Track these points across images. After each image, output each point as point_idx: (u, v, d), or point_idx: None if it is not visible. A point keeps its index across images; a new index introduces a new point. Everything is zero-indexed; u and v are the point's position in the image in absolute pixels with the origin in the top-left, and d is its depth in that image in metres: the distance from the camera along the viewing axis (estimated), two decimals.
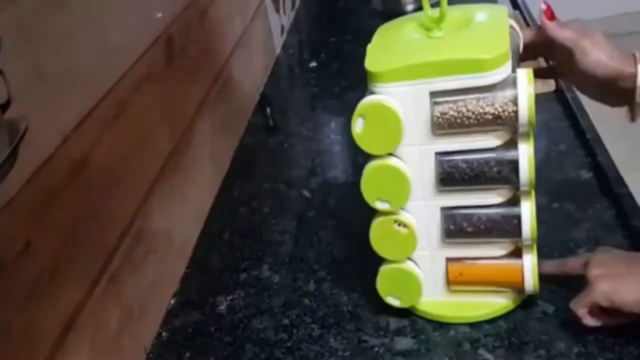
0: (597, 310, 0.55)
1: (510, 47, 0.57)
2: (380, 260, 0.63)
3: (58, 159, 0.53)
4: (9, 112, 0.42)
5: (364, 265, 0.71)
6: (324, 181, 0.91)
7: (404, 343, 0.62)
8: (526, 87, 0.52)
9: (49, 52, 0.53)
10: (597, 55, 0.60)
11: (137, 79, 0.68)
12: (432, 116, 0.54)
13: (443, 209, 0.59)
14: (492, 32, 0.55)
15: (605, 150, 0.79)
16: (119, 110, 0.64)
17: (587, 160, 0.80)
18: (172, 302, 0.73)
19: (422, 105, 0.54)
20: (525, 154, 0.54)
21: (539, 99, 0.62)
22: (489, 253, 0.60)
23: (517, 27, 0.61)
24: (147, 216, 0.68)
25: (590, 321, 0.56)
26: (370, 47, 0.58)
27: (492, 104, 0.53)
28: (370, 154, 0.56)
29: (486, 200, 0.57)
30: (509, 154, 0.55)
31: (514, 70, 0.54)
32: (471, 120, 0.53)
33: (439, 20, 0.55)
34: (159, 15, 0.76)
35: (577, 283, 0.58)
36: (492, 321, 0.62)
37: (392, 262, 0.62)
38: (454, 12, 0.57)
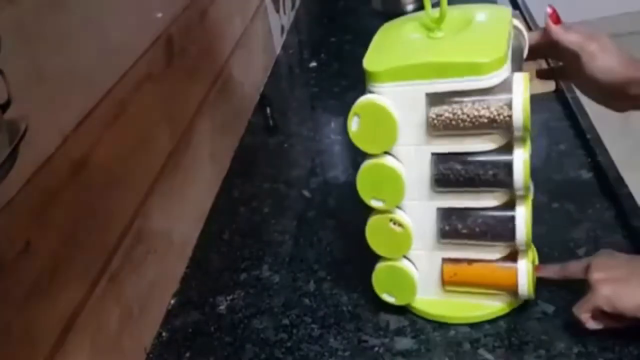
0: (599, 314, 0.55)
1: (513, 48, 0.57)
2: (380, 260, 0.63)
3: (58, 159, 0.53)
4: (9, 112, 0.42)
5: (364, 265, 0.71)
6: (324, 181, 0.91)
7: (404, 343, 0.62)
8: (522, 92, 0.51)
9: (49, 52, 0.53)
10: (604, 60, 0.60)
11: (137, 79, 0.68)
12: (428, 117, 0.54)
13: (439, 209, 0.59)
14: (492, 34, 0.54)
15: (605, 150, 0.79)
16: (119, 110, 0.64)
17: (587, 160, 0.80)
18: (172, 302, 0.73)
19: (418, 106, 0.54)
20: (521, 158, 0.53)
21: (539, 99, 0.62)
22: (484, 255, 0.60)
23: (522, 28, 0.61)
24: (147, 216, 0.68)
25: (593, 325, 0.56)
26: (370, 46, 0.58)
27: (488, 108, 0.52)
28: (366, 152, 0.56)
29: (481, 202, 0.57)
30: (504, 158, 0.54)
31: (517, 71, 0.54)
32: (466, 123, 0.53)
33: (439, 20, 0.55)
34: (159, 15, 0.76)
35: (577, 286, 0.58)
36: (492, 321, 0.62)
37: (388, 259, 0.62)
38: (457, 12, 0.57)
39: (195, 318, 0.70)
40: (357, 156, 0.58)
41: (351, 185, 0.65)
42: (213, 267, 0.78)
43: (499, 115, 0.52)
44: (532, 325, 0.61)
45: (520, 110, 0.51)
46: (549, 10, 0.63)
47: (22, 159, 0.42)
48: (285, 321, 0.67)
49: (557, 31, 0.62)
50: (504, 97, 0.52)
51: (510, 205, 0.56)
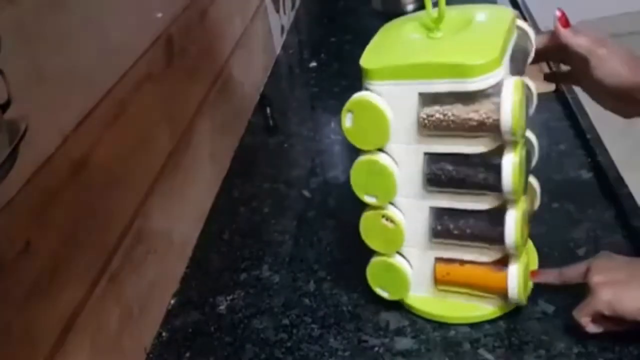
0: (599, 317, 0.55)
1: (516, 50, 0.56)
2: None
3: (58, 159, 0.53)
4: (9, 112, 0.42)
5: (364, 265, 0.71)
6: (324, 181, 0.91)
7: (404, 343, 0.62)
8: (511, 96, 0.50)
9: (49, 52, 0.53)
10: (613, 65, 0.59)
11: (137, 79, 0.68)
12: (419, 117, 0.54)
13: (431, 208, 0.59)
14: (487, 36, 0.53)
15: (605, 150, 0.79)
16: (119, 110, 0.64)
17: (587, 160, 0.80)
18: (172, 302, 0.73)
19: (411, 105, 0.54)
20: (510, 163, 0.52)
21: (539, 99, 0.62)
22: (476, 257, 0.60)
23: (528, 30, 0.60)
24: (147, 216, 0.68)
25: (593, 329, 0.55)
26: (369, 44, 0.58)
27: (478, 111, 0.52)
28: (360, 148, 0.57)
29: (473, 205, 0.57)
30: (495, 162, 0.53)
31: (519, 74, 0.54)
32: (456, 125, 0.53)
33: (437, 21, 0.55)
34: (159, 15, 0.76)
35: (577, 287, 0.58)
36: (492, 321, 0.62)
37: (382, 254, 0.63)
38: (458, 12, 0.57)
39: (195, 318, 0.71)
40: (357, 156, 0.58)
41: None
42: (213, 267, 0.78)
43: (487, 118, 0.51)
44: (532, 325, 0.61)
45: (508, 115, 0.50)
46: (557, 13, 0.62)
47: (22, 159, 0.42)
48: (285, 321, 0.67)
49: (565, 34, 0.61)
50: (494, 100, 0.51)
51: (502, 208, 0.56)
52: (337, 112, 1.03)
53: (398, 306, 0.66)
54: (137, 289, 0.66)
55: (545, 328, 0.60)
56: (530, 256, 0.66)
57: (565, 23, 0.62)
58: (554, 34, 0.63)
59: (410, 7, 1.40)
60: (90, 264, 0.58)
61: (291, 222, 0.83)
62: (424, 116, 0.54)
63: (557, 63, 0.71)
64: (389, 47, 0.57)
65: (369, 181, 0.58)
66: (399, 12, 1.35)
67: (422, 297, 0.65)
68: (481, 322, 0.62)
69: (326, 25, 1.50)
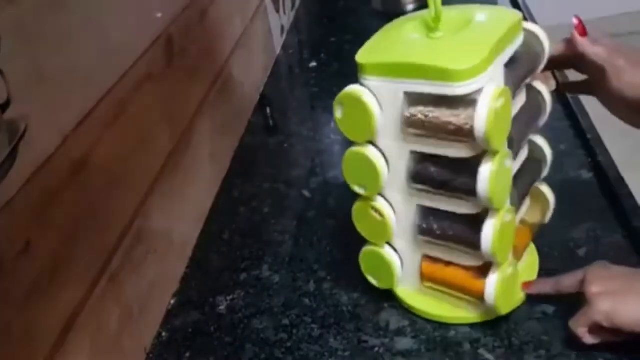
0: (597, 328, 0.54)
1: (521, 54, 0.56)
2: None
3: (58, 159, 0.53)
4: (8, 112, 0.42)
5: None
6: (324, 181, 0.91)
7: (404, 343, 0.62)
8: (487, 104, 0.49)
9: (49, 52, 0.53)
10: (632, 76, 0.57)
11: (137, 79, 0.68)
12: (402, 115, 0.55)
13: (418, 206, 0.60)
14: (480, 40, 0.52)
15: (606, 150, 0.79)
16: (119, 110, 0.64)
17: (588, 160, 0.80)
18: (172, 302, 0.73)
19: (397, 103, 0.54)
20: (487, 171, 0.51)
21: None
22: (459, 260, 0.60)
23: (540, 34, 0.58)
24: (147, 216, 0.68)
25: (590, 340, 0.55)
26: (369, 41, 0.59)
27: (458, 116, 0.51)
28: (350, 139, 0.58)
29: (454, 208, 0.57)
30: (475, 168, 0.52)
31: (524, 79, 0.54)
32: (437, 128, 0.53)
33: (435, 21, 0.55)
34: (159, 15, 0.76)
35: (569, 299, 0.57)
36: (492, 321, 0.62)
37: (373, 244, 0.64)
38: (461, 12, 0.57)
39: (195, 318, 0.70)
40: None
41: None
42: (213, 267, 0.78)
43: (465, 124, 0.51)
44: (533, 325, 0.60)
45: (482, 123, 0.49)
46: (575, 21, 0.60)
47: (22, 159, 0.42)
48: (285, 321, 0.67)
49: (583, 43, 0.60)
50: (473, 107, 0.50)
51: (484, 215, 0.55)
52: None
53: (398, 306, 0.66)
54: (137, 289, 0.66)
55: (545, 328, 0.60)
56: (531, 257, 0.66)
57: (583, 31, 0.60)
58: (570, 42, 0.61)
59: (410, 7, 1.40)
60: (90, 264, 0.58)
61: (291, 222, 0.83)
62: (408, 115, 0.54)
63: (563, 70, 0.69)
64: (386, 44, 0.58)
65: (359, 172, 0.59)
66: (399, 12, 1.34)
67: (410, 291, 0.66)
68: (483, 321, 0.62)
69: (326, 25, 1.50)
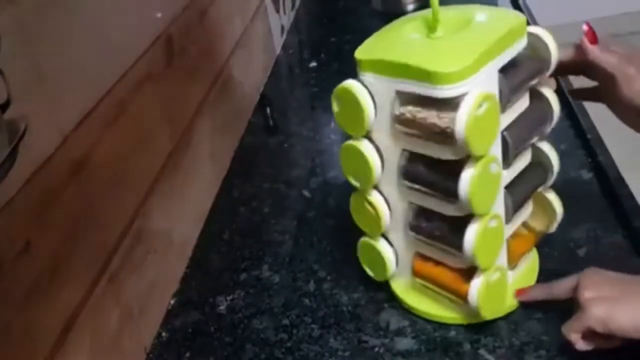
0: (590, 333, 0.53)
1: (526, 59, 0.55)
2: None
3: (58, 159, 0.53)
4: (8, 112, 0.42)
5: None
6: (324, 181, 0.91)
7: (404, 343, 0.62)
8: (467, 109, 0.49)
9: (49, 52, 0.53)
10: None
11: (137, 79, 0.68)
12: (392, 113, 0.55)
13: (410, 202, 0.60)
14: (473, 43, 0.52)
15: (606, 150, 0.79)
16: (119, 110, 0.64)
17: (588, 161, 0.80)
18: (172, 302, 0.73)
19: (390, 100, 0.55)
20: (468, 175, 0.51)
21: None
22: (446, 261, 0.60)
23: (546, 39, 0.57)
24: (147, 216, 0.68)
25: (583, 346, 0.54)
26: (371, 36, 0.59)
27: (443, 118, 0.51)
28: (347, 132, 0.59)
29: (440, 209, 0.57)
30: (459, 171, 0.52)
31: (526, 87, 0.54)
32: (423, 128, 0.53)
33: (434, 22, 0.55)
34: (159, 15, 0.76)
35: (563, 304, 0.57)
36: (492, 321, 0.62)
37: (368, 236, 0.65)
38: (463, 12, 0.57)
39: (195, 318, 0.70)
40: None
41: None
42: (213, 267, 0.78)
43: (447, 127, 0.51)
44: (533, 325, 0.60)
45: (461, 127, 0.49)
46: (584, 27, 0.59)
47: (22, 159, 0.42)
48: (285, 321, 0.67)
49: (593, 51, 0.59)
50: (457, 111, 0.50)
51: (469, 219, 0.55)
52: None
53: (398, 306, 0.66)
54: (137, 289, 0.66)
55: (545, 328, 0.60)
56: (531, 263, 0.66)
57: (593, 38, 0.59)
58: (579, 48, 0.60)
59: (410, 7, 1.40)
60: (90, 264, 0.58)
61: (291, 222, 0.83)
62: (397, 113, 0.55)
63: (559, 78, 0.69)
64: (384, 42, 0.58)
65: (353, 166, 0.60)
66: (399, 12, 1.34)
67: (404, 285, 0.66)
68: (483, 321, 0.62)
69: (326, 25, 1.50)
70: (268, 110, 1.15)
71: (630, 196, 0.71)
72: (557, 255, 0.67)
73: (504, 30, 0.53)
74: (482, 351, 0.59)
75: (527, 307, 0.62)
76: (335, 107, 0.58)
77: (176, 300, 0.74)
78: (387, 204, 0.61)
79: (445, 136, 0.51)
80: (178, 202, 0.77)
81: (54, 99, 0.53)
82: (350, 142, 0.59)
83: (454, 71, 0.49)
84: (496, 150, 0.55)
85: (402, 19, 0.61)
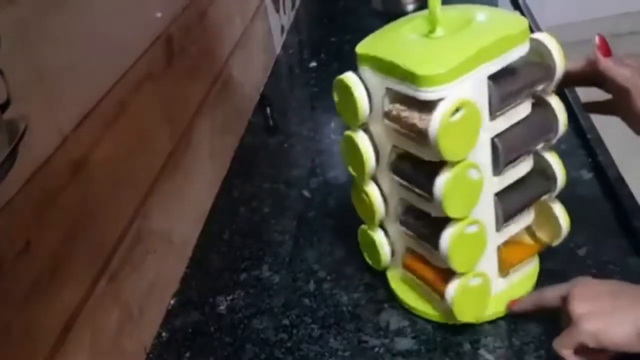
0: (582, 348, 0.51)
1: (525, 65, 0.54)
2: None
3: (58, 159, 0.53)
4: (8, 112, 0.42)
5: (364, 265, 0.71)
6: (324, 181, 0.91)
7: (404, 343, 0.62)
8: (441, 113, 0.49)
9: (49, 52, 0.53)
10: None
11: (137, 79, 0.68)
12: (382, 109, 0.56)
13: (402, 198, 0.61)
14: (463, 47, 0.52)
15: (606, 150, 0.79)
16: (119, 110, 0.64)
17: (588, 161, 0.80)
18: (172, 302, 0.73)
19: (382, 96, 0.56)
20: (442, 179, 0.52)
21: None
22: (429, 258, 0.61)
23: (549, 45, 0.55)
24: (147, 216, 0.68)
25: None
26: (376, 32, 0.60)
27: (422, 120, 0.51)
28: (345, 123, 0.60)
29: (422, 207, 0.57)
30: (437, 173, 0.52)
31: (525, 95, 0.53)
32: (406, 127, 0.53)
33: (431, 22, 0.55)
34: (159, 15, 0.76)
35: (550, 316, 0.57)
36: (492, 321, 0.62)
37: (366, 224, 0.66)
38: (464, 13, 0.57)
39: (195, 318, 0.70)
40: None
41: (351, 185, 0.65)
42: (213, 267, 0.78)
43: (425, 130, 0.51)
44: (533, 325, 0.60)
45: (434, 132, 0.49)
46: (597, 40, 0.59)
47: (21, 159, 0.42)
48: (285, 321, 0.67)
49: (607, 64, 0.58)
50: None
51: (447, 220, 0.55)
52: (337, 112, 1.02)
53: (398, 306, 0.66)
54: (137, 289, 0.66)
55: (545, 328, 0.60)
56: (529, 272, 0.65)
57: (606, 51, 0.58)
58: (591, 61, 0.59)
59: (410, 7, 1.40)
60: (90, 264, 0.58)
61: (291, 222, 0.83)
62: (387, 110, 0.55)
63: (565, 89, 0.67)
64: (384, 39, 0.58)
65: (351, 155, 0.60)
66: (399, 12, 1.35)
67: (397, 276, 0.67)
68: (483, 321, 0.62)
69: (326, 25, 1.50)
70: (268, 110, 1.15)
71: (630, 196, 0.71)
72: (557, 255, 0.67)
73: (500, 36, 0.52)
74: (482, 351, 0.59)
75: (516, 317, 0.61)
76: (335, 97, 0.59)
77: (176, 300, 0.74)
78: (383, 195, 0.61)
79: (424, 137, 0.52)
80: (178, 202, 0.77)
81: (53, 99, 0.53)
82: (348, 132, 0.60)
83: (434, 74, 0.49)
84: (485, 156, 0.55)
85: (407, 17, 0.61)
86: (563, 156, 0.63)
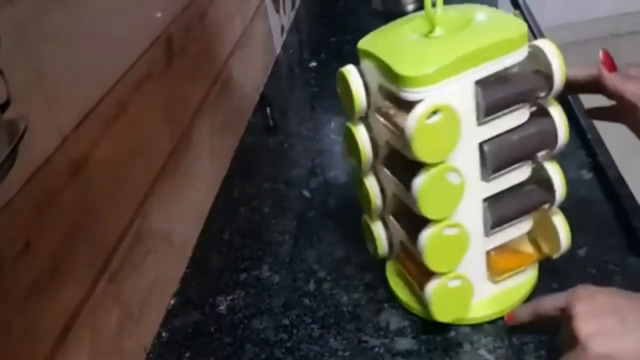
0: None
1: (521, 74, 0.54)
2: (380, 263, 0.65)
3: (58, 159, 0.53)
4: (8, 112, 0.42)
5: (364, 265, 0.71)
6: (324, 181, 0.91)
7: (404, 343, 0.62)
8: (417, 116, 0.49)
9: (49, 52, 0.53)
10: None
11: (137, 79, 0.68)
12: (376, 104, 0.56)
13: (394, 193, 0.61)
14: (452, 50, 0.51)
15: (606, 150, 0.79)
16: (119, 110, 0.64)
17: (588, 160, 0.80)
18: (172, 302, 0.73)
19: (377, 91, 0.56)
20: (419, 181, 0.52)
21: None
22: (415, 254, 0.60)
23: (548, 52, 0.53)
24: (146, 216, 0.68)
25: None
26: (380, 28, 0.60)
27: (405, 120, 0.51)
28: (346, 115, 0.60)
29: (410, 204, 0.57)
30: (414, 174, 0.53)
31: (518, 103, 0.53)
32: (391, 125, 0.54)
33: (429, 22, 0.55)
34: (159, 15, 0.76)
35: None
36: (492, 322, 0.62)
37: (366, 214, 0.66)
38: (465, 13, 0.56)
39: (195, 318, 0.70)
40: None
41: (351, 185, 0.65)
42: (213, 267, 0.78)
43: (403, 129, 0.51)
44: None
45: (409, 134, 0.49)
46: (601, 56, 0.58)
47: (21, 159, 0.42)
48: (285, 321, 0.67)
49: (614, 81, 0.57)
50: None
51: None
52: (337, 112, 1.03)
53: (398, 306, 0.66)
54: (137, 289, 0.66)
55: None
56: (524, 281, 0.64)
57: (611, 67, 0.57)
58: (595, 75, 0.58)
59: (410, 7, 1.40)
60: (90, 264, 0.58)
61: (291, 222, 0.83)
62: (378, 106, 0.56)
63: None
64: (383, 36, 0.59)
65: (350, 146, 0.61)
66: (399, 12, 1.35)
67: (394, 267, 0.68)
68: (483, 322, 0.62)
69: (326, 25, 1.50)
70: (268, 110, 1.15)
71: (630, 196, 0.71)
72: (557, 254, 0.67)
73: (495, 40, 0.51)
74: (482, 351, 0.59)
75: (515, 330, 0.60)
76: (338, 89, 0.60)
77: (176, 300, 0.74)
78: (382, 187, 0.62)
79: (400, 139, 0.52)
80: (178, 202, 0.77)
81: (53, 99, 0.53)
82: (348, 123, 0.60)
83: (416, 75, 0.50)
84: (472, 160, 0.55)
85: (412, 15, 0.61)
86: (563, 156, 0.63)
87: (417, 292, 0.62)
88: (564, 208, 0.69)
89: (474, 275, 0.59)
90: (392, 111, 0.54)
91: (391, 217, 0.63)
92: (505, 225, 0.59)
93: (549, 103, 0.56)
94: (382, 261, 0.69)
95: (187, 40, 0.84)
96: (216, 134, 0.93)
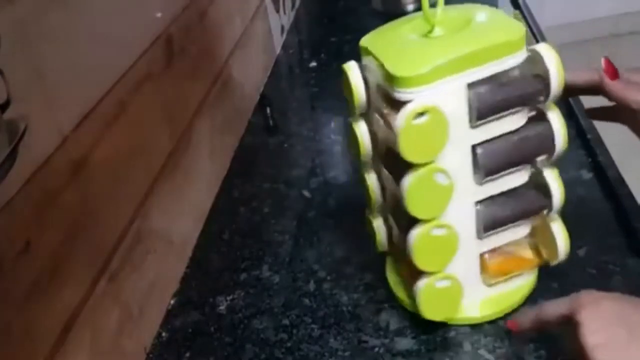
0: None
1: (521, 78, 0.53)
2: (381, 260, 0.65)
3: (58, 159, 0.53)
4: (8, 112, 0.42)
5: (364, 265, 0.71)
6: (324, 181, 0.91)
7: (404, 343, 0.62)
8: (404, 116, 0.49)
9: (49, 52, 0.53)
10: None
11: (137, 79, 0.68)
12: (374, 102, 0.57)
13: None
14: (448, 50, 0.51)
15: (606, 150, 0.79)
16: (119, 110, 0.64)
17: (588, 160, 0.80)
18: (172, 302, 0.73)
19: (376, 89, 0.56)
20: (407, 181, 0.52)
21: None
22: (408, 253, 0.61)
23: (546, 57, 0.52)
24: (146, 216, 0.68)
25: None
26: (383, 25, 0.61)
27: (396, 119, 0.51)
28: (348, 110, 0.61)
29: (402, 202, 0.57)
30: (405, 173, 0.53)
31: (516, 107, 0.53)
32: (386, 124, 0.54)
33: (427, 22, 0.55)
34: (159, 15, 0.76)
35: (575, 288, 0.55)
36: (492, 321, 0.62)
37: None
38: (465, 13, 0.56)
39: (195, 318, 0.70)
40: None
41: (351, 186, 0.66)
42: (213, 267, 0.78)
43: (393, 129, 0.51)
44: None
45: (396, 134, 0.50)
46: (603, 64, 0.57)
47: (21, 159, 0.42)
48: (285, 321, 0.67)
49: (617, 89, 0.57)
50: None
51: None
52: (337, 112, 1.03)
53: (398, 306, 0.66)
54: (137, 289, 0.66)
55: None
56: (522, 285, 0.64)
57: (614, 75, 0.57)
58: (596, 81, 0.58)
59: (410, 7, 1.40)
60: (90, 264, 0.58)
61: (291, 222, 0.83)
62: (376, 104, 0.56)
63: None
64: (384, 35, 0.59)
65: (352, 141, 0.61)
66: (399, 12, 1.35)
67: (392, 263, 0.68)
68: (483, 322, 0.62)
69: (326, 25, 1.50)
70: (268, 110, 1.15)
71: (630, 196, 0.71)
72: None
73: (491, 43, 0.51)
74: (482, 351, 0.59)
75: (517, 335, 0.60)
76: (343, 85, 0.60)
77: (176, 300, 0.74)
78: (382, 184, 0.62)
79: (393, 142, 0.52)
80: (178, 202, 0.77)
81: (53, 99, 0.53)
82: (351, 119, 0.60)
83: (407, 76, 0.50)
84: (464, 163, 0.55)
85: (414, 15, 0.60)
86: (563, 156, 0.63)
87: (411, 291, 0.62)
88: (563, 208, 0.69)
89: (466, 277, 0.59)
90: (386, 110, 0.54)
91: (389, 214, 0.63)
92: (500, 229, 0.59)
93: (548, 108, 0.55)
94: (382, 261, 0.69)
95: (187, 40, 0.84)
96: (216, 134, 0.93)
